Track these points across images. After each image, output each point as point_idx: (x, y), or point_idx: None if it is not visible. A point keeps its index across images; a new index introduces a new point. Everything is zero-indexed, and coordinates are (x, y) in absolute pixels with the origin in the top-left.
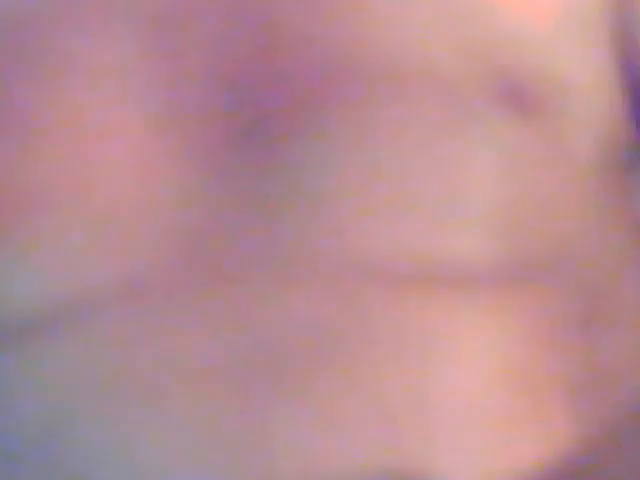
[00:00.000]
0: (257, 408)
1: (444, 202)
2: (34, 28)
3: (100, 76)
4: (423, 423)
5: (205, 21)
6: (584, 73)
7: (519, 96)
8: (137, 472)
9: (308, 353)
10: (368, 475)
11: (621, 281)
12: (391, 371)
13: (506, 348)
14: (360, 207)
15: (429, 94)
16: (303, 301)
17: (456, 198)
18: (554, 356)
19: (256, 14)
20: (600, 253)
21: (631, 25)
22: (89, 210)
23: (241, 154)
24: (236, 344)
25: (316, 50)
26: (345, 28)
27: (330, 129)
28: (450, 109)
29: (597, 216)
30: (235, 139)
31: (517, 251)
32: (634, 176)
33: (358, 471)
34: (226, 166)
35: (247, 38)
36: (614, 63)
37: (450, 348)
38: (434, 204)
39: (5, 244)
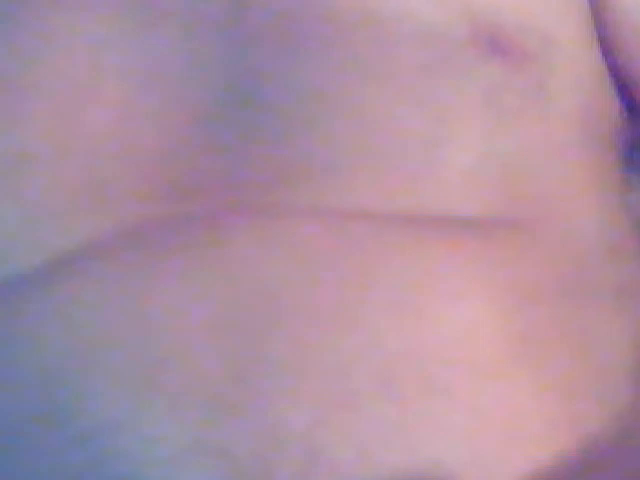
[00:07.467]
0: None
1: (429, 149)
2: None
3: (79, 44)
4: (420, 373)
5: None
6: (569, 32)
7: (504, 48)
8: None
9: (302, 309)
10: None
11: (610, 260)
12: (388, 325)
13: (493, 301)
14: (346, 155)
15: (406, 41)
16: (295, 259)
17: (441, 145)
18: (540, 315)
19: None
20: (583, 220)
21: None
22: (71, 171)
23: (226, 111)
24: (226, 301)
25: None
26: None
27: (304, 72)
28: (430, 58)
29: (581, 181)
30: (219, 94)
31: (503, 200)
32: (632, 175)
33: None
34: (210, 122)
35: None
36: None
37: (433, 300)
38: (419, 151)
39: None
